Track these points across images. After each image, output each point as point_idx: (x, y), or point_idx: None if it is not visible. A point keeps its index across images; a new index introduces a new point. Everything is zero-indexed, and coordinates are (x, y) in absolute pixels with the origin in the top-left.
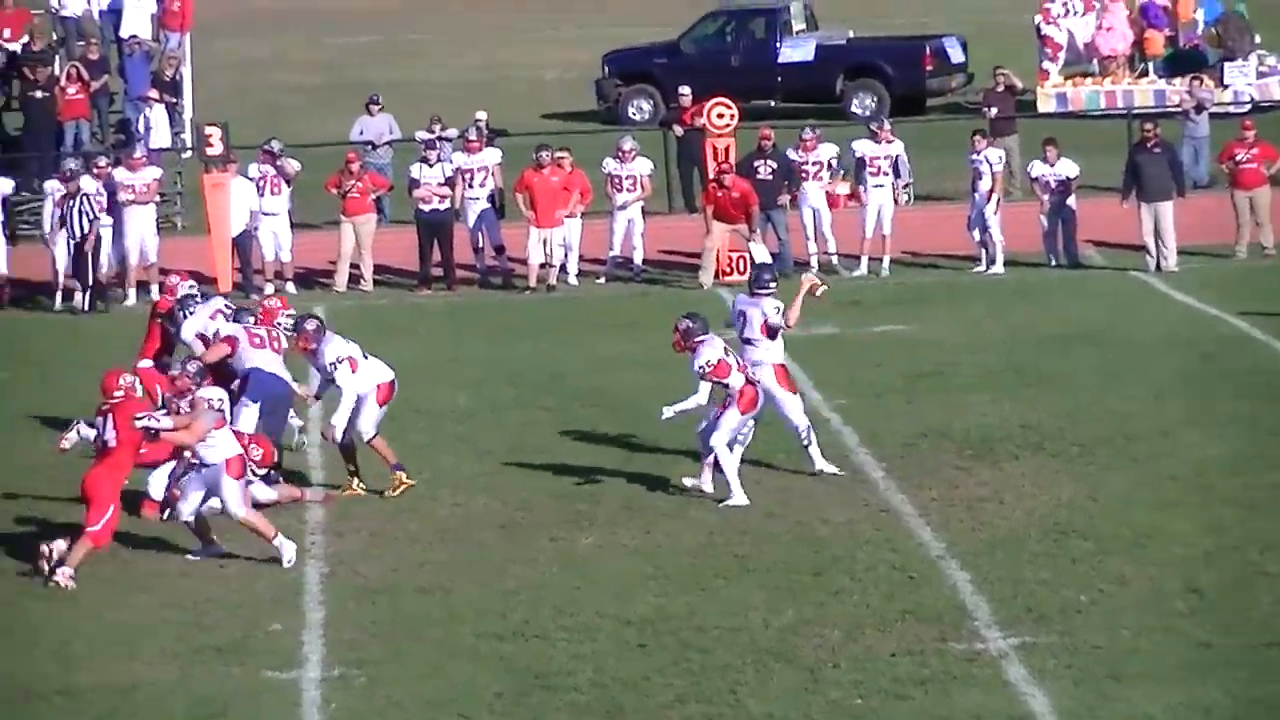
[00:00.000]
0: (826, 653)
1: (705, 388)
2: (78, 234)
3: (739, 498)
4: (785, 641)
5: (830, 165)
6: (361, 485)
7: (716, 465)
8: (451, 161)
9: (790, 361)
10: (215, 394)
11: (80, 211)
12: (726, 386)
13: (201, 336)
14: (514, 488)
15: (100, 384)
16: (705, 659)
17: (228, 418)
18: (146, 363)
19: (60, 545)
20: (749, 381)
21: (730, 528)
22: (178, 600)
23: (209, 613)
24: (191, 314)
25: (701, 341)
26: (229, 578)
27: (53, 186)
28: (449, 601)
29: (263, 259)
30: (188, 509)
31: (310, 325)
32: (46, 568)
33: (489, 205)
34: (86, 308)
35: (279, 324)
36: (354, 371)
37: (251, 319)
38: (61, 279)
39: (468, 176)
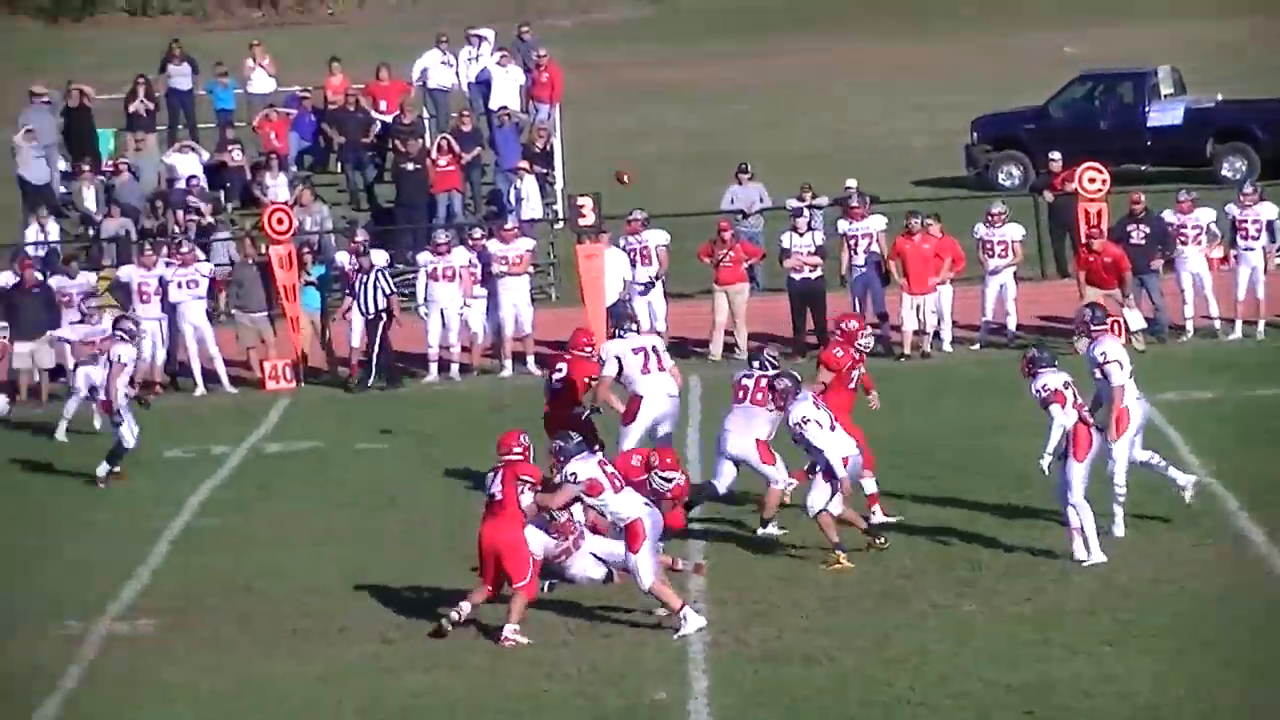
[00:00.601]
0: None
1: (1057, 416)
2: (370, 311)
3: (1096, 555)
4: (1174, 709)
5: (1208, 229)
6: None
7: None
8: (837, 230)
9: (1168, 426)
10: (573, 470)
11: (375, 287)
12: (1064, 428)
13: (619, 359)
14: (894, 554)
15: (498, 443)
16: None
17: (608, 485)
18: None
19: (465, 608)
20: (1082, 421)
21: (1115, 592)
22: (561, 670)
23: (592, 682)
24: (622, 336)
25: (1044, 369)
26: (612, 646)
27: (425, 259)
28: (833, 669)
29: (639, 328)
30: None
31: (781, 384)
32: (450, 627)
33: (871, 271)
34: (379, 386)
35: (858, 346)
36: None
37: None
38: (357, 355)
39: (851, 243)
